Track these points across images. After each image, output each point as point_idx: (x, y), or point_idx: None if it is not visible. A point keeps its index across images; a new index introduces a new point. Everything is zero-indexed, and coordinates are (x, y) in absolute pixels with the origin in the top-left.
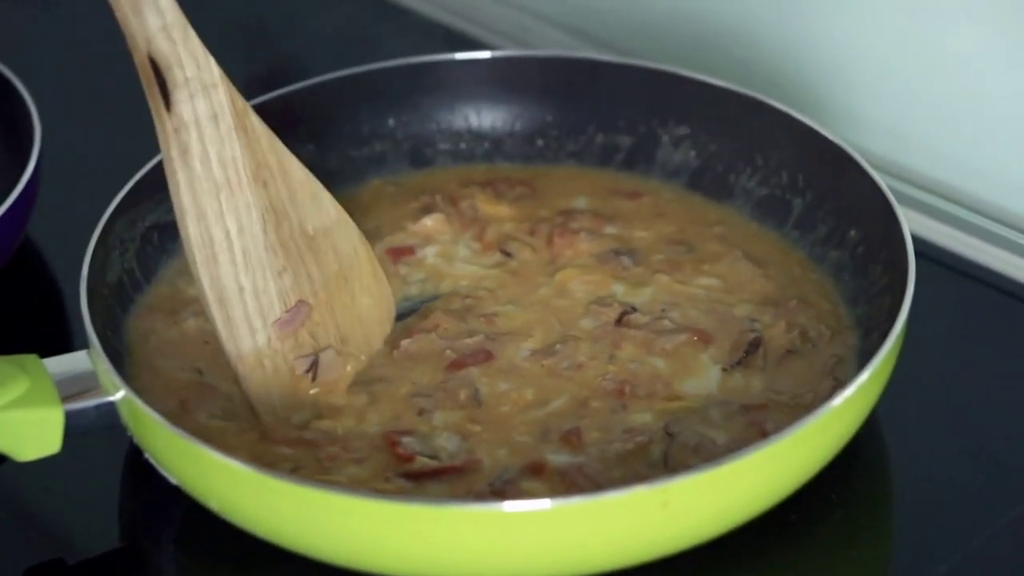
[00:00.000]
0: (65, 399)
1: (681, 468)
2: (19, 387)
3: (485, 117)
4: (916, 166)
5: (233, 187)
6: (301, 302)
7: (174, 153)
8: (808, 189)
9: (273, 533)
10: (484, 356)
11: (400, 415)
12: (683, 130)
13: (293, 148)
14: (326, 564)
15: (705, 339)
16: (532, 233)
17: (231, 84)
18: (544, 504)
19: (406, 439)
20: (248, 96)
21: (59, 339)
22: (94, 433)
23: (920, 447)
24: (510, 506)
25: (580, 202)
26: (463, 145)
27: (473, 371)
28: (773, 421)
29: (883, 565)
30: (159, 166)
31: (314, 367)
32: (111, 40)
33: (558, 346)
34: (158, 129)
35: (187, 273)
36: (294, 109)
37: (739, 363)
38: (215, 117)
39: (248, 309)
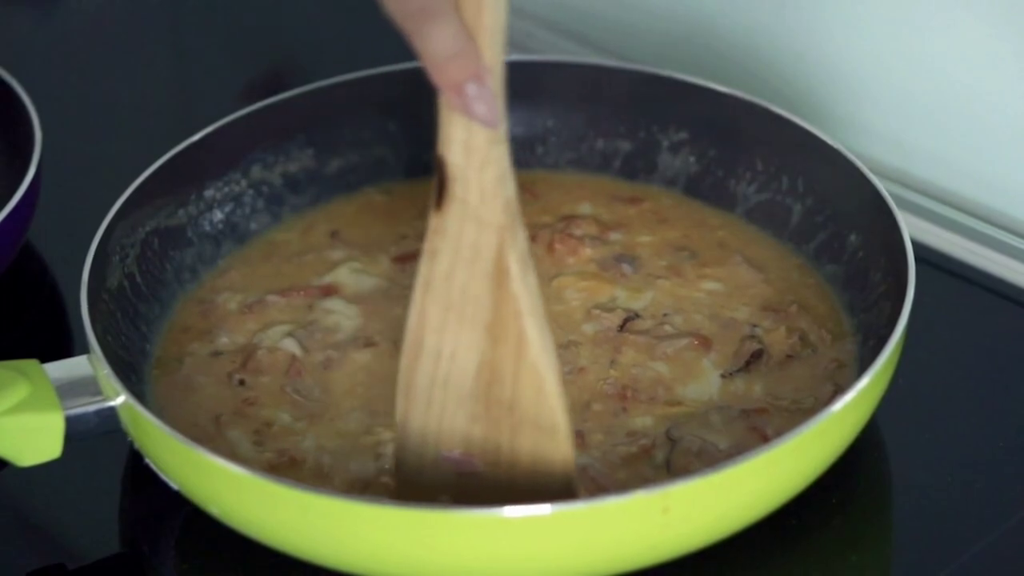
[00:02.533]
0: (65, 404)
1: (683, 472)
2: (19, 392)
3: None
4: (916, 171)
5: (464, 319)
6: (474, 458)
7: (425, 247)
8: (808, 194)
9: (274, 538)
10: None
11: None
12: (683, 135)
13: (293, 153)
14: (327, 569)
15: (706, 344)
16: (533, 239)
17: (518, 239)
18: (544, 510)
19: None
20: (249, 101)
21: (59, 344)
22: (95, 438)
23: (920, 452)
24: (511, 511)
25: (582, 208)
26: None
27: None
28: (773, 426)
29: (883, 570)
30: (159, 171)
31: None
32: (112, 45)
33: (559, 351)
34: None
35: (214, 288)
36: (294, 114)
37: (740, 370)
38: (476, 252)
39: (428, 422)
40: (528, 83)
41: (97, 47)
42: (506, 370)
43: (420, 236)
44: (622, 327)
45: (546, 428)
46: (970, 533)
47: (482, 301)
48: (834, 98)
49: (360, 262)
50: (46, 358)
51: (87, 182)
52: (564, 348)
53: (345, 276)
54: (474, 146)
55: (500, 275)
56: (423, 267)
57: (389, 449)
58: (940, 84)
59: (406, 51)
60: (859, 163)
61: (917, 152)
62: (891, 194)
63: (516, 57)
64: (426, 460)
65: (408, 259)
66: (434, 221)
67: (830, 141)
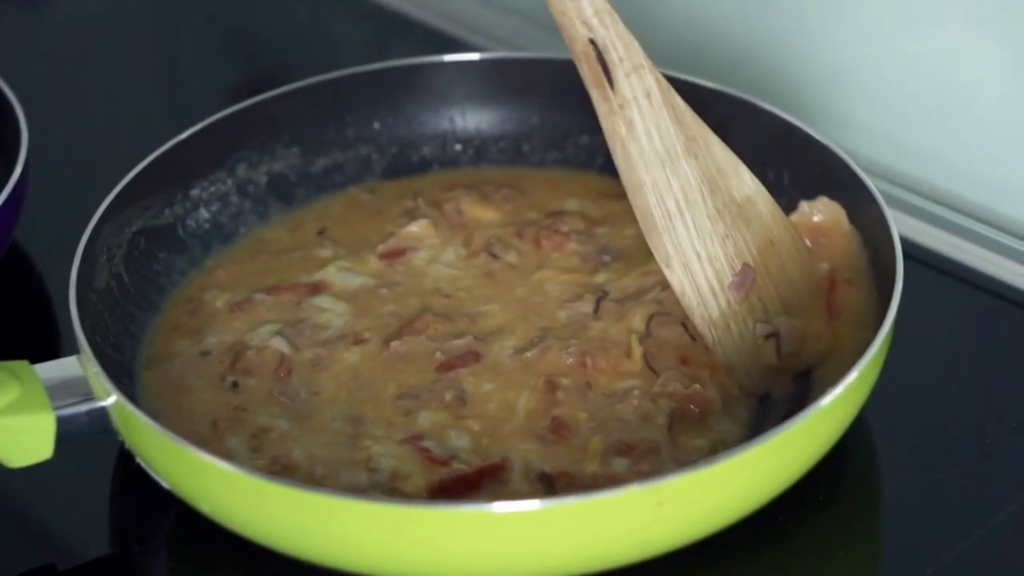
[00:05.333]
0: (56, 405)
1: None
2: (10, 393)
3: (470, 119)
4: (904, 167)
5: (673, 159)
6: (746, 265)
7: (622, 130)
8: (795, 189)
9: (265, 536)
10: (473, 357)
11: (392, 419)
12: None
13: (278, 152)
14: (317, 566)
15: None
16: (519, 236)
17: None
18: (535, 505)
19: (427, 442)
20: (234, 100)
21: (48, 344)
22: (85, 438)
23: (909, 449)
24: (499, 507)
25: (568, 204)
26: (448, 148)
27: (462, 372)
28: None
29: (871, 566)
30: (145, 171)
31: (775, 338)
32: (99, 44)
33: (536, 340)
34: (602, 112)
35: (202, 287)
36: (279, 113)
37: None
38: (648, 94)
39: (708, 275)
40: (514, 80)
41: (84, 47)
42: (712, 173)
43: (406, 235)
44: (595, 311)
45: (754, 192)
46: (958, 530)
47: (672, 130)
48: (823, 94)
49: (348, 260)
50: (34, 357)
51: (75, 181)
52: (541, 338)
53: (333, 274)
54: (600, 9)
55: (668, 96)
56: (632, 149)
57: (382, 464)
58: (930, 81)
59: (389, 50)
60: (847, 157)
61: (905, 148)
62: (879, 191)
63: (501, 54)
64: (722, 309)
65: (395, 255)
66: (615, 100)
67: (817, 136)
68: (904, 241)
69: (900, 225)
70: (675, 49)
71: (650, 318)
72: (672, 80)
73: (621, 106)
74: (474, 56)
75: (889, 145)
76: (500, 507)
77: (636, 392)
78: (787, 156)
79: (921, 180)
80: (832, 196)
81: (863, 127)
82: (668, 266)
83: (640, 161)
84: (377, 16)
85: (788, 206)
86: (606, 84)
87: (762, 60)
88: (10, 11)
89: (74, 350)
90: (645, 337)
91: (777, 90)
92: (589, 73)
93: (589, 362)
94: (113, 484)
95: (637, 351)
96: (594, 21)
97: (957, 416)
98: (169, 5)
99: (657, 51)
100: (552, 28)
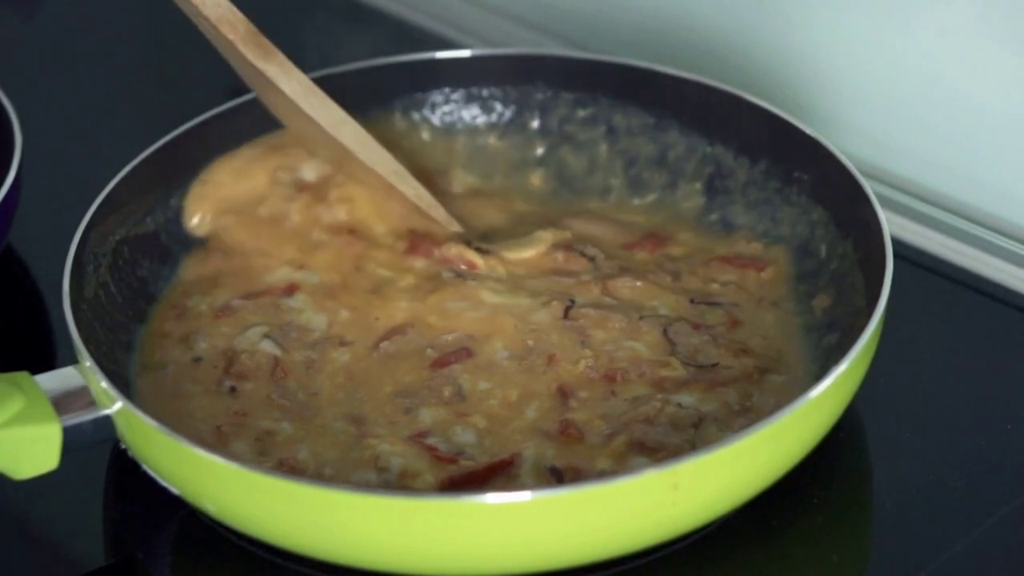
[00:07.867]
0: (61, 415)
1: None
2: (15, 405)
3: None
4: (896, 169)
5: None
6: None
7: (305, 79)
8: (788, 186)
9: (272, 533)
10: (466, 353)
11: (393, 417)
12: (648, 121)
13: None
14: (318, 569)
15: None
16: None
17: None
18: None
19: (431, 440)
20: (219, 102)
21: (44, 352)
22: (90, 448)
23: (902, 449)
24: (496, 497)
25: None
26: None
27: (455, 368)
28: None
29: (863, 568)
30: (125, 180)
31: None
32: (94, 50)
33: (530, 342)
34: (280, 76)
35: (185, 292)
36: (255, 116)
37: None
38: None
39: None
40: (491, 77)
41: (79, 52)
42: None
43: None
44: (565, 315)
45: None
46: (951, 532)
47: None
48: (815, 94)
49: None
50: (31, 364)
51: (69, 186)
52: (535, 343)
53: (298, 275)
54: None
55: None
56: (321, 94)
57: (391, 463)
58: (921, 81)
59: (369, 46)
60: (840, 155)
61: (896, 148)
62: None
63: (480, 51)
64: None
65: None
66: (286, 62)
67: (811, 133)
68: (895, 241)
69: (892, 225)
70: (671, 47)
71: (664, 332)
72: (671, 77)
73: (281, 64)
74: (451, 54)
75: (878, 144)
76: (519, 496)
77: (660, 396)
78: (782, 153)
79: (910, 180)
80: (827, 193)
81: (855, 128)
82: (410, 184)
83: (330, 100)
84: (356, 13)
85: (785, 204)
86: (274, 50)
87: (755, 60)
88: (4, 16)
89: (69, 357)
90: (675, 347)
91: (770, 90)
92: (259, 50)
93: (620, 377)
94: (108, 493)
95: (675, 361)
96: (237, 10)
97: (951, 417)
98: (163, 9)
99: (652, 49)
100: (521, 22)
